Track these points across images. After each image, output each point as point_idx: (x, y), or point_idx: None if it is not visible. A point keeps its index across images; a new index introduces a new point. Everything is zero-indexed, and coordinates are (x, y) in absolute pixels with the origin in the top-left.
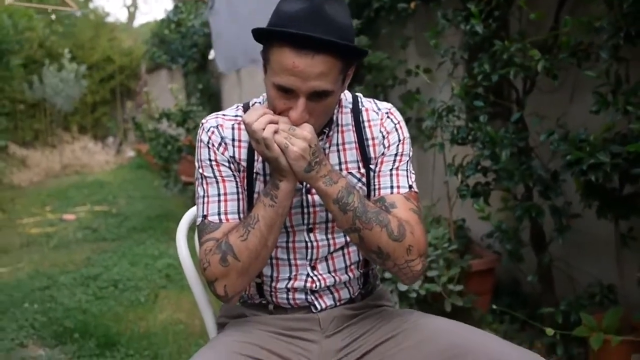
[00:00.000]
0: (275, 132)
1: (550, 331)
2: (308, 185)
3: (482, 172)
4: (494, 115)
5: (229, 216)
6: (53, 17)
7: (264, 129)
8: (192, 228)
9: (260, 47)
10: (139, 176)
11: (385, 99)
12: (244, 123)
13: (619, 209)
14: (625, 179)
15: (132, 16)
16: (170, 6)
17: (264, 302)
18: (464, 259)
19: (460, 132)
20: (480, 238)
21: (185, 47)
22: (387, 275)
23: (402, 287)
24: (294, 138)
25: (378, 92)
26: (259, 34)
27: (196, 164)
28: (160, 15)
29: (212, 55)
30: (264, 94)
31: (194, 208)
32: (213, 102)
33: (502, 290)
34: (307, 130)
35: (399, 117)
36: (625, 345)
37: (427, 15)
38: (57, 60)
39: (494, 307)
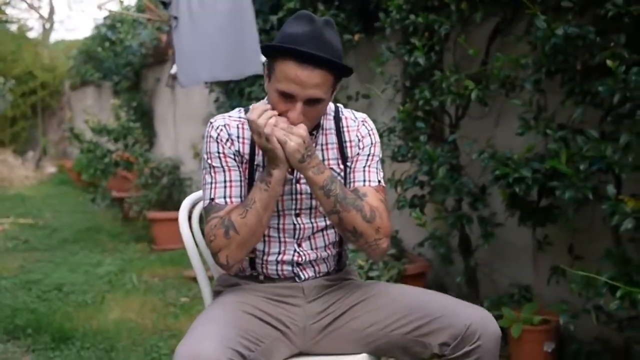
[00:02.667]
0: (275, 125)
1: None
2: (297, 176)
3: (419, 185)
4: (430, 137)
5: (233, 199)
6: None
7: (267, 126)
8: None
9: (222, 68)
10: (62, 191)
11: None
12: (249, 119)
13: (537, 218)
14: (542, 192)
15: (47, 32)
16: (97, 22)
17: (255, 273)
18: (400, 262)
19: (400, 150)
20: (412, 247)
21: (118, 66)
22: None
23: None
24: (292, 135)
25: None
26: (267, 49)
27: (204, 156)
28: (75, 35)
29: (174, 69)
30: (259, 102)
31: (192, 195)
32: (145, 119)
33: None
34: (302, 129)
35: (372, 125)
36: (539, 334)
37: (369, 46)
38: None
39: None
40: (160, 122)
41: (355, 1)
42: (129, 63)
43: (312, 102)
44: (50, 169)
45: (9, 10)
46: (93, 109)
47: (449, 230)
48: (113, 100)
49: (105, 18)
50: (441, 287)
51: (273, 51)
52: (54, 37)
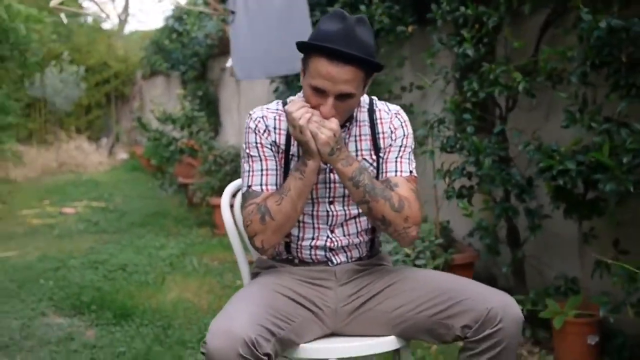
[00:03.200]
0: (309, 121)
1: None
2: (331, 166)
3: (467, 176)
4: (479, 128)
5: (269, 187)
6: (65, 21)
7: (301, 118)
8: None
9: (275, 64)
10: (132, 177)
11: None
12: (286, 112)
13: (583, 211)
14: (588, 185)
15: (122, 24)
16: (166, 15)
17: (290, 257)
18: (448, 252)
19: (449, 141)
20: (462, 237)
21: (186, 56)
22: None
23: None
24: (323, 128)
25: None
26: (302, 46)
27: (243, 145)
28: (150, 25)
29: (229, 63)
30: (296, 95)
31: (234, 182)
32: (211, 108)
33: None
34: (333, 123)
35: (405, 117)
36: (583, 327)
37: (422, 37)
38: (57, 61)
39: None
40: (225, 111)
41: None
42: (195, 54)
43: (343, 97)
44: (123, 155)
45: (85, 4)
46: (162, 98)
47: (496, 221)
48: (178, 90)
49: (173, 10)
50: (490, 278)
51: (307, 48)
52: (128, 28)
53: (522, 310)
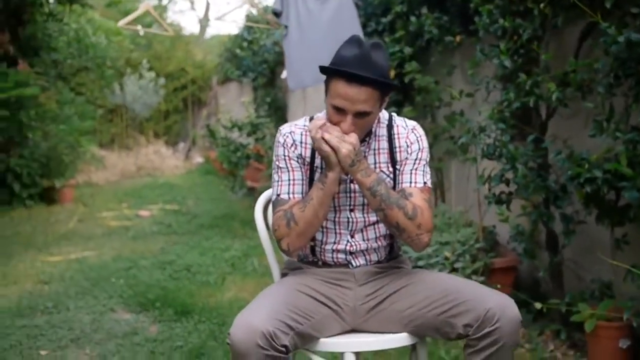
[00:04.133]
0: (330, 134)
1: (538, 305)
2: (351, 177)
3: (505, 182)
4: (521, 136)
5: (296, 195)
6: (142, 33)
7: (324, 134)
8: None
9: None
10: (206, 180)
11: (432, 119)
12: (309, 130)
13: (615, 217)
14: (619, 192)
15: (203, 29)
16: (241, 23)
17: (314, 259)
18: (488, 256)
19: (489, 148)
20: (507, 242)
21: (256, 63)
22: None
23: None
24: (344, 142)
25: (426, 112)
26: (323, 70)
27: (274, 158)
28: (230, 29)
29: (284, 74)
30: (322, 113)
31: (267, 192)
32: (279, 114)
33: (523, 287)
34: (353, 138)
35: (421, 132)
36: (615, 330)
37: (472, 46)
38: (136, 69)
39: (515, 292)
40: (292, 116)
41: (457, 5)
42: (264, 61)
43: (360, 114)
44: (198, 159)
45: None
46: (234, 104)
47: (532, 226)
48: (243, 98)
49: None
50: (533, 282)
51: (327, 71)
52: (209, 32)
53: (530, 310)
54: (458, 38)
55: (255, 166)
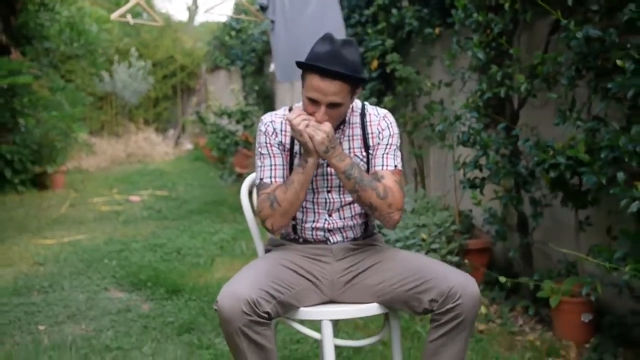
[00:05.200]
0: (307, 126)
1: (502, 278)
2: (327, 161)
3: (479, 168)
4: (497, 125)
5: (277, 179)
6: (132, 22)
7: (300, 124)
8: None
9: None
10: (195, 167)
11: (413, 107)
12: (288, 120)
13: (578, 200)
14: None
15: (192, 16)
16: (230, 13)
17: (296, 237)
18: (462, 238)
19: (463, 136)
20: (482, 225)
21: (244, 52)
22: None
23: None
24: (319, 131)
25: (407, 101)
26: (299, 65)
27: (256, 145)
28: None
29: (272, 67)
30: (300, 103)
31: (251, 175)
32: (267, 102)
33: (497, 267)
34: (327, 126)
35: (391, 119)
36: (577, 305)
37: (450, 38)
38: (125, 57)
39: (488, 271)
40: (280, 105)
41: None
42: (252, 50)
43: (333, 106)
44: (188, 145)
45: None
46: (223, 91)
47: (503, 210)
48: (232, 85)
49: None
50: (507, 262)
51: (302, 66)
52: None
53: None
54: (437, 30)
55: (244, 153)
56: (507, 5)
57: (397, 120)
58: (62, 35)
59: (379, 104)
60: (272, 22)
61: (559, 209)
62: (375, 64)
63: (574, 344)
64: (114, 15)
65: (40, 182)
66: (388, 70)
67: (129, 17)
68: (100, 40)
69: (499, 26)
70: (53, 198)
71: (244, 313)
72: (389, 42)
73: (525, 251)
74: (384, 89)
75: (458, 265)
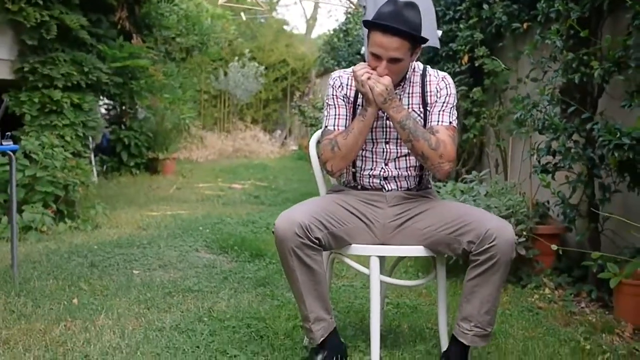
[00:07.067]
0: (369, 78)
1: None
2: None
3: (552, 154)
4: (575, 112)
5: (340, 127)
6: (244, 17)
7: (362, 75)
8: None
9: None
10: (297, 165)
11: (500, 102)
12: (353, 72)
13: None
14: None
15: (310, 28)
16: (342, 18)
17: (355, 184)
18: (532, 221)
19: (538, 123)
20: (557, 215)
21: (350, 54)
22: None
23: None
24: (379, 83)
25: (496, 96)
26: (365, 23)
27: (325, 97)
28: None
29: (363, 50)
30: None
31: (317, 132)
32: None
33: (567, 255)
34: (386, 80)
35: (450, 81)
36: (637, 288)
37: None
38: (240, 58)
39: (556, 248)
40: None
41: None
42: (358, 52)
43: (393, 61)
44: (293, 146)
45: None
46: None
47: (571, 194)
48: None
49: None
50: (578, 252)
51: (368, 25)
52: (316, 32)
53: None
54: (525, 25)
55: None
56: None
57: (482, 114)
58: (179, 25)
59: (467, 97)
60: (364, 7)
61: (629, 197)
62: (465, 58)
63: (630, 325)
64: (221, 0)
65: (152, 167)
66: (477, 64)
67: (240, 10)
68: (212, 31)
69: (576, 14)
70: (162, 181)
71: (297, 235)
72: (478, 35)
73: (594, 236)
74: (472, 82)
75: (526, 249)
